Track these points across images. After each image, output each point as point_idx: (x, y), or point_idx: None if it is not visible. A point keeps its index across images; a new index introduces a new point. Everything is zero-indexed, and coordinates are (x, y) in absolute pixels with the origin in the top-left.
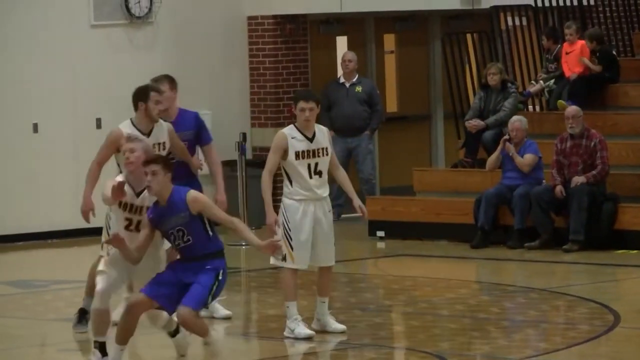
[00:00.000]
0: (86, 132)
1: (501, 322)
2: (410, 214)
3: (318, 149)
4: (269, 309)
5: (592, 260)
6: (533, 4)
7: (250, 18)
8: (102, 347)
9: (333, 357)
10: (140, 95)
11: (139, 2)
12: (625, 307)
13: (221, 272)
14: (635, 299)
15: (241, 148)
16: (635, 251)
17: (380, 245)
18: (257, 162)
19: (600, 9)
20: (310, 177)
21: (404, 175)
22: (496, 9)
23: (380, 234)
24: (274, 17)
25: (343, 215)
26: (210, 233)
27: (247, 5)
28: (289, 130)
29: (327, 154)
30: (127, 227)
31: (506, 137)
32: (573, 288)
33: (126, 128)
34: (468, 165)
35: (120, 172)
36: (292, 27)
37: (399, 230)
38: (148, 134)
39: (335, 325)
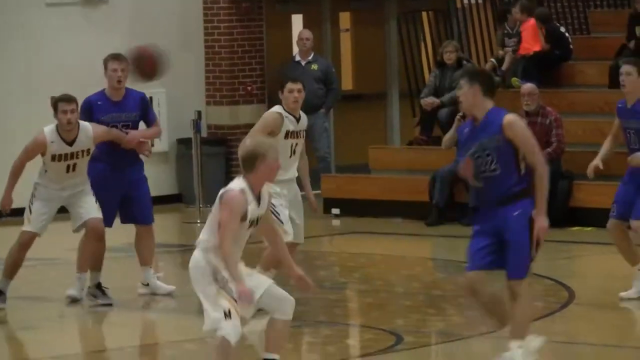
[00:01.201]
0: (43, 112)
1: (456, 299)
2: (366, 191)
3: (301, 131)
4: None
5: (547, 238)
6: None
7: None
8: None
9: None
10: (53, 107)
11: None
12: (580, 284)
13: (530, 214)
14: (589, 276)
15: (196, 126)
16: (590, 228)
17: (336, 222)
18: (212, 140)
19: None
20: (290, 157)
21: (360, 153)
22: None
23: (336, 211)
24: None
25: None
26: (522, 171)
27: None
28: (281, 110)
29: (304, 136)
30: None
31: (460, 114)
32: None
33: (50, 134)
34: (423, 143)
35: (45, 170)
36: (247, 5)
37: (354, 208)
38: (71, 143)
39: None
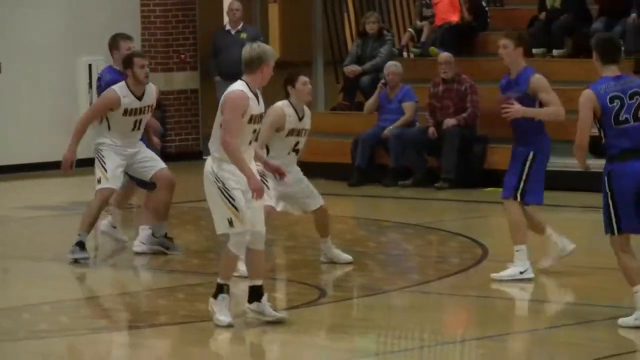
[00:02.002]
0: None
1: (377, 256)
2: None
3: (304, 129)
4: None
5: (463, 198)
6: None
7: None
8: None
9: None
10: (126, 63)
11: None
12: (493, 241)
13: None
14: (502, 234)
15: None
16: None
17: None
18: None
19: None
20: (289, 154)
21: None
22: None
23: None
24: None
25: None
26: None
27: None
28: (287, 108)
29: (306, 134)
30: None
31: (383, 81)
32: (445, 224)
33: (121, 90)
34: (346, 108)
35: (109, 128)
36: None
37: None
38: (140, 97)
39: (344, 256)
